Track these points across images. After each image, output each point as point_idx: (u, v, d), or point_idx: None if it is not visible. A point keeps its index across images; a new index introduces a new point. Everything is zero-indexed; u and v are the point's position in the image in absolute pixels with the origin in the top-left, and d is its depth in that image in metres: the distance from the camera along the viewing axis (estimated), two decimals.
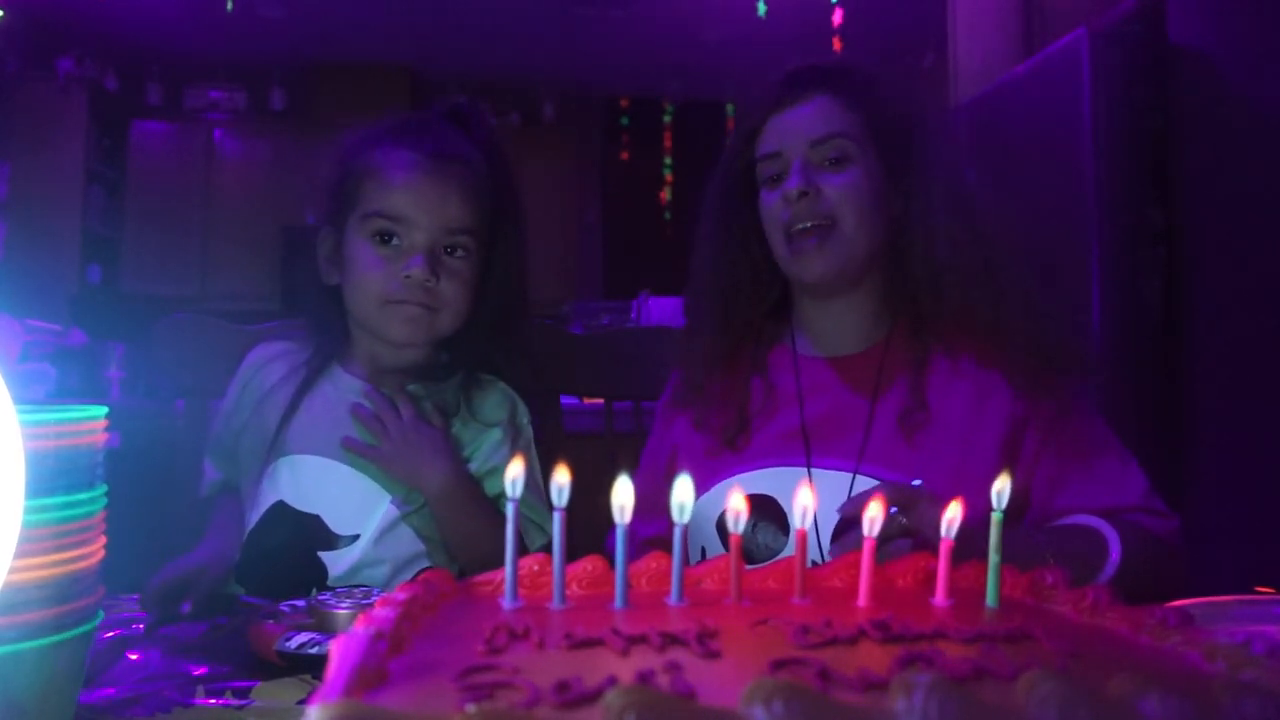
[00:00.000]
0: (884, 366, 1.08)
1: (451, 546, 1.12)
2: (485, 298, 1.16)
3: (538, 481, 1.15)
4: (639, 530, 1.13)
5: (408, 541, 1.12)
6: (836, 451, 1.05)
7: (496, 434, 1.16)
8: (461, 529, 1.11)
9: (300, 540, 1.11)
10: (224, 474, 1.22)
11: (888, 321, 1.10)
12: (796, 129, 1.06)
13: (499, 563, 1.02)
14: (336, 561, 1.11)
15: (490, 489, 1.15)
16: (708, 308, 1.14)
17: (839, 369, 1.10)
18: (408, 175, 1.11)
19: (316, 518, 1.12)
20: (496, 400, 1.19)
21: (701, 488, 1.08)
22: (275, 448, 1.15)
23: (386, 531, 1.11)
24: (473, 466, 1.15)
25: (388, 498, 1.12)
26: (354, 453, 1.12)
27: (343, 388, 1.17)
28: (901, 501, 0.84)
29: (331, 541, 1.11)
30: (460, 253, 1.13)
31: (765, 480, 1.06)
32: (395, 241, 1.11)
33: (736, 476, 1.07)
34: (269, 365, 1.22)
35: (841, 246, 1.04)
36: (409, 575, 1.11)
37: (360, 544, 1.11)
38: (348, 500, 1.12)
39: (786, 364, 1.13)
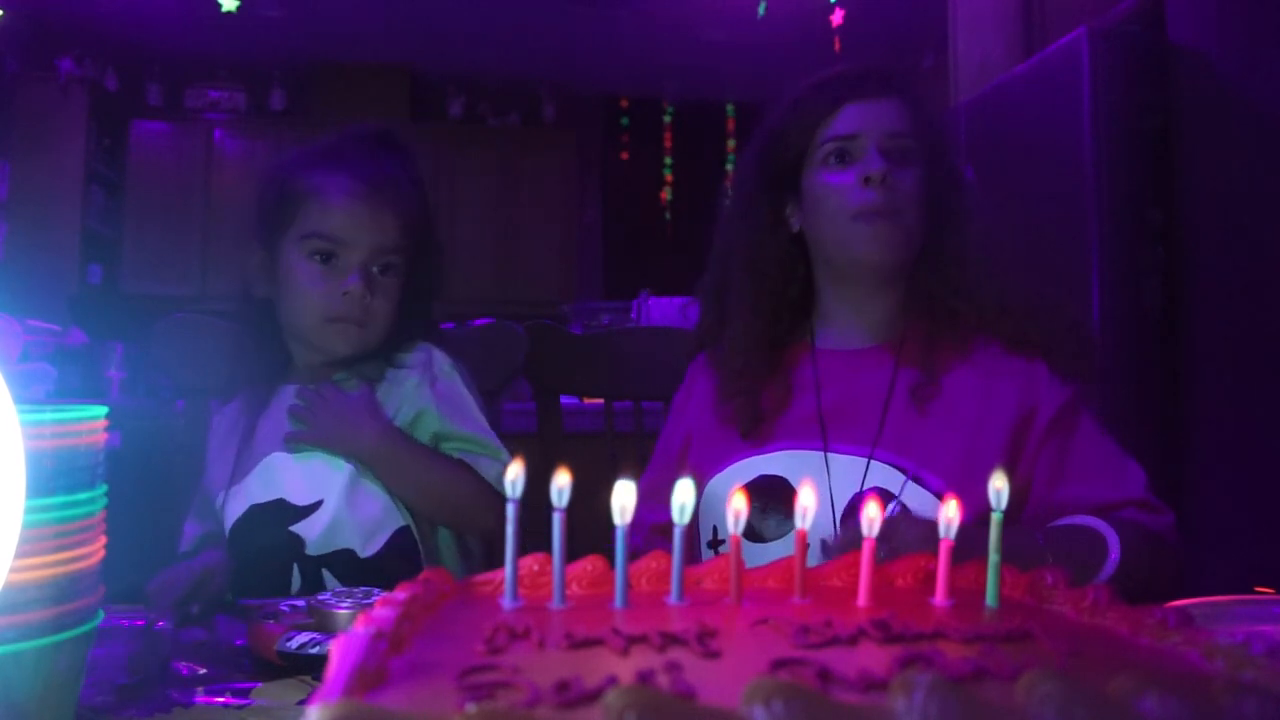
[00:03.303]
0: (899, 357, 1.11)
1: (407, 501, 1.16)
2: (405, 305, 1.23)
3: (476, 415, 1.19)
4: (648, 516, 1.14)
5: (375, 498, 1.16)
6: (852, 437, 1.08)
7: (412, 378, 1.20)
8: (408, 480, 1.16)
9: (270, 525, 1.16)
10: (205, 528, 1.25)
11: (902, 321, 1.13)
12: (877, 117, 1.10)
13: (454, 505, 1.06)
14: (310, 529, 1.15)
15: (421, 434, 1.19)
16: (740, 290, 1.16)
17: (856, 360, 1.13)
18: (346, 199, 1.18)
19: (280, 500, 1.17)
20: (412, 353, 1.23)
21: (717, 466, 1.12)
22: (238, 469, 1.21)
23: (351, 492, 1.15)
24: (400, 420, 1.18)
25: (342, 460, 1.16)
26: (294, 442, 1.18)
27: (285, 397, 1.22)
28: (880, 536, 0.85)
29: (297, 515, 1.15)
30: (390, 271, 1.20)
31: (780, 462, 1.08)
32: (334, 261, 1.17)
33: (752, 457, 1.09)
34: (229, 417, 1.28)
35: (903, 235, 1.08)
36: (385, 535, 1.15)
37: (327, 508, 1.15)
38: (305, 475, 1.17)
39: (805, 359, 1.16)
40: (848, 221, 1.08)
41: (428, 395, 1.19)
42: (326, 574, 1.14)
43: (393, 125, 1.33)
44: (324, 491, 1.15)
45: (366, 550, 1.14)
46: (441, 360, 1.22)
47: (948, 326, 1.09)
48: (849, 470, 1.05)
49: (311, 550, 1.14)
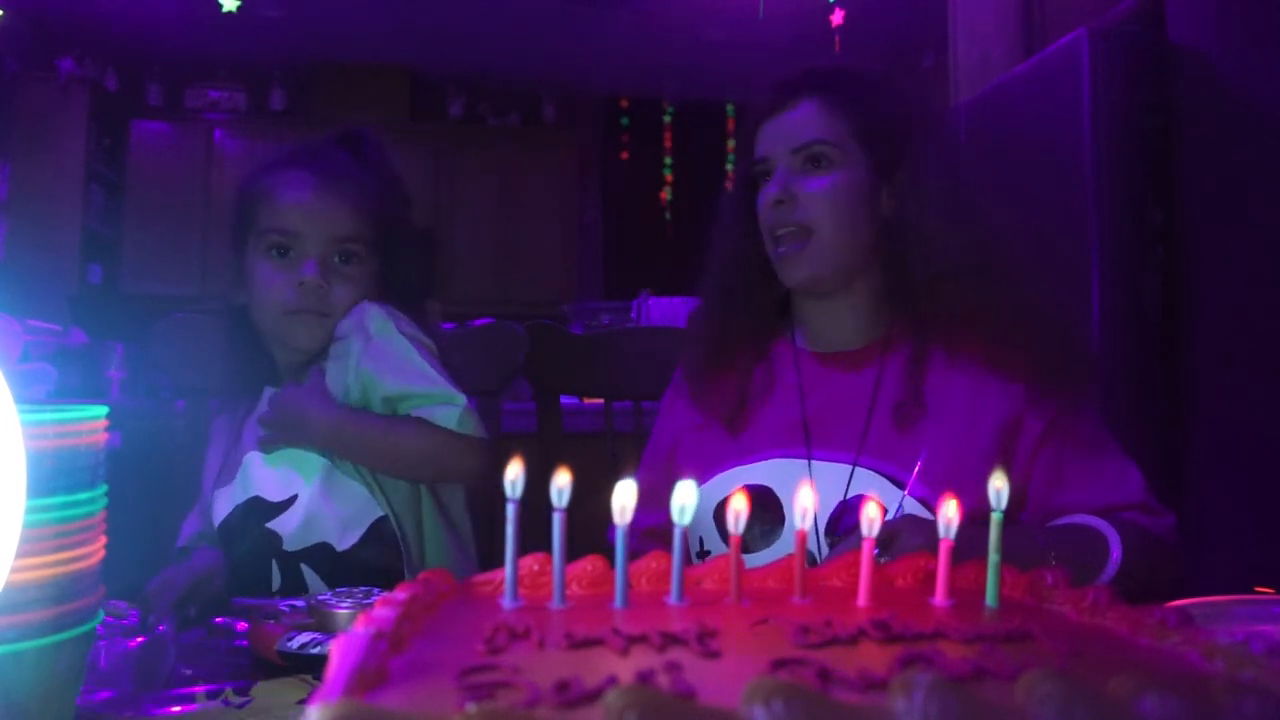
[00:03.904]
0: (884, 361, 1.09)
1: (380, 472, 1.16)
2: (387, 297, 1.22)
3: (418, 366, 1.15)
4: (639, 520, 1.13)
5: (350, 490, 1.15)
6: (836, 444, 1.06)
7: (350, 344, 1.18)
8: (369, 454, 1.15)
9: (248, 522, 1.16)
10: (201, 527, 1.25)
11: (886, 318, 1.11)
12: (780, 136, 1.09)
13: (426, 464, 1.12)
14: (285, 525, 1.14)
15: (374, 400, 1.16)
16: (718, 295, 1.17)
17: (838, 364, 1.12)
18: (296, 192, 1.20)
19: (255, 498, 1.17)
20: (347, 319, 1.20)
21: (701, 478, 1.10)
22: (224, 472, 1.22)
23: (325, 486, 1.15)
24: (352, 392, 1.16)
25: (314, 455, 1.16)
26: (265, 445, 1.18)
27: (265, 400, 1.23)
28: (880, 541, 0.83)
29: (272, 511, 1.16)
30: (353, 260, 1.20)
31: (764, 472, 1.07)
32: (290, 254, 1.18)
33: (736, 468, 1.08)
34: (226, 420, 1.29)
35: (820, 252, 1.07)
36: (362, 527, 1.14)
37: (301, 503, 1.15)
38: (276, 470, 1.17)
39: (787, 357, 1.15)
40: (769, 240, 1.10)
41: (365, 360, 1.17)
42: (305, 569, 1.14)
43: (368, 126, 1.34)
44: (297, 486, 1.15)
45: (343, 543, 1.14)
46: (374, 315, 1.18)
47: (932, 327, 1.06)
48: (833, 478, 1.04)
49: (288, 546, 1.14)
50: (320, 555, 1.14)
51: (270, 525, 1.15)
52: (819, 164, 1.07)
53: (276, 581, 1.14)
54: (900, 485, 1.02)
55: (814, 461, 1.06)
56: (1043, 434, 1.02)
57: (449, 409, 1.13)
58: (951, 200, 1.06)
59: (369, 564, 1.12)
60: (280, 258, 1.18)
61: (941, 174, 1.08)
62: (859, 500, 0.99)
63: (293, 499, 1.15)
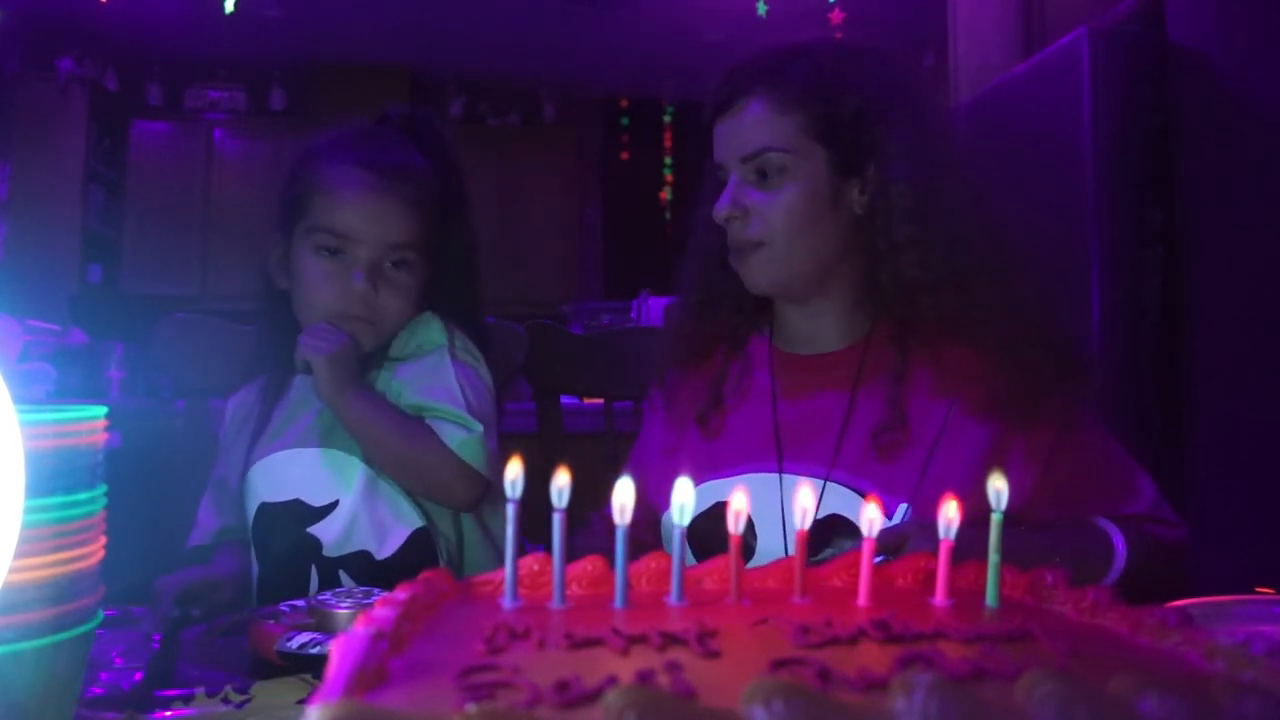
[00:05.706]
0: (864, 368, 1.03)
1: (363, 450, 1.12)
2: (434, 299, 1.20)
3: (452, 390, 1.12)
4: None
5: (391, 499, 1.13)
6: (809, 456, 1.01)
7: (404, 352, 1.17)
8: (352, 417, 1.10)
9: (287, 527, 1.13)
10: (223, 521, 1.22)
11: (870, 317, 1.05)
12: (730, 141, 1.02)
13: (413, 464, 1.09)
14: (326, 531, 1.12)
15: (405, 403, 1.14)
16: (694, 289, 1.14)
17: (816, 368, 1.06)
18: (354, 192, 1.14)
19: (296, 500, 1.14)
20: (410, 337, 1.18)
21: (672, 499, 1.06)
22: (249, 459, 1.18)
23: (369, 493, 1.12)
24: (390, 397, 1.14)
25: (358, 461, 1.13)
26: (300, 359, 1.12)
27: (297, 387, 1.20)
28: (888, 546, 0.82)
29: (314, 516, 1.13)
30: (403, 266, 1.16)
31: (734, 487, 1.02)
32: (340, 255, 1.14)
33: (707, 483, 1.03)
34: (244, 402, 1.25)
35: (775, 263, 1.01)
36: (401, 537, 1.12)
37: (343, 508, 1.12)
38: (319, 474, 1.14)
39: (763, 356, 1.10)
40: (731, 251, 1.04)
41: (403, 371, 1.15)
42: (344, 575, 1.12)
43: (422, 110, 1.28)
44: (339, 491, 1.13)
45: (383, 551, 1.12)
46: (435, 330, 1.16)
47: (915, 336, 1.00)
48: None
49: (329, 551, 1.12)
50: (359, 562, 1.11)
51: (311, 530, 1.12)
52: (770, 175, 0.99)
53: (314, 585, 1.12)
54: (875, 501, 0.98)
55: (785, 475, 1.00)
56: (1044, 456, 0.97)
57: (457, 429, 1.10)
58: (929, 201, 0.97)
59: (408, 573, 1.10)
60: (330, 257, 1.14)
61: (919, 171, 0.98)
62: (830, 520, 0.96)
63: (334, 504, 1.13)
